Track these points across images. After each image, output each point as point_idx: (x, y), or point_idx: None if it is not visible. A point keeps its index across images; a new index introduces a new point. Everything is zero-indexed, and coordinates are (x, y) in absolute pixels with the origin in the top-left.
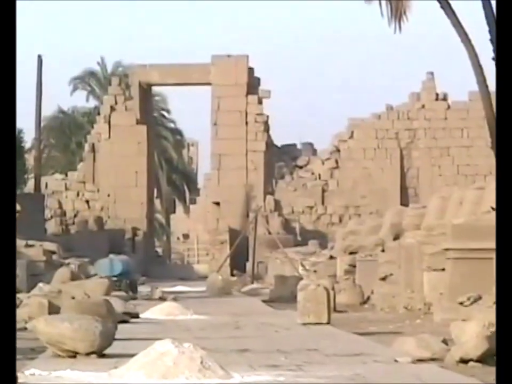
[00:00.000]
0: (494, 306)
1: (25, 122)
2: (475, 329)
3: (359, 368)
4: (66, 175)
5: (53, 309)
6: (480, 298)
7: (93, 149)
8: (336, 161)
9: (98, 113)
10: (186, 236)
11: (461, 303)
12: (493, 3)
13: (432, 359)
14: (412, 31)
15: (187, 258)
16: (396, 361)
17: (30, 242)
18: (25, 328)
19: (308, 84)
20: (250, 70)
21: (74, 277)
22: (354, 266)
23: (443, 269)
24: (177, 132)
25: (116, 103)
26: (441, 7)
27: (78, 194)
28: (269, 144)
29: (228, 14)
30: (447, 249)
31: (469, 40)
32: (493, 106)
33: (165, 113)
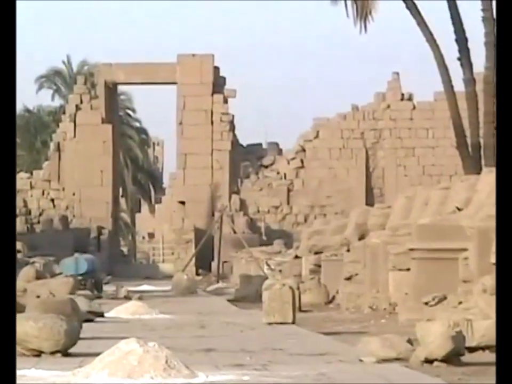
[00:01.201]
0: (459, 306)
1: None
2: (440, 329)
3: (324, 367)
4: (31, 173)
5: (18, 308)
6: (445, 298)
7: (58, 147)
8: (302, 161)
9: (64, 112)
10: (151, 235)
11: (426, 303)
12: (459, 3)
13: (397, 359)
14: (378, 31)
15: (152, 257)
16: (360, 361)
17: None
18: None
19: (273, 84)
20: (216, 69)
21: (39, 276)
22: (320, 266)
23: (408, 269)
24: (142, 131)
25: (82, 102)
26: (407, 7)
27: (43, 193)
28: (235, 143)
29: (194, 13)
30: (412, 249)
31: (434, 40)
32: (458, 106)
33: (131, 112)
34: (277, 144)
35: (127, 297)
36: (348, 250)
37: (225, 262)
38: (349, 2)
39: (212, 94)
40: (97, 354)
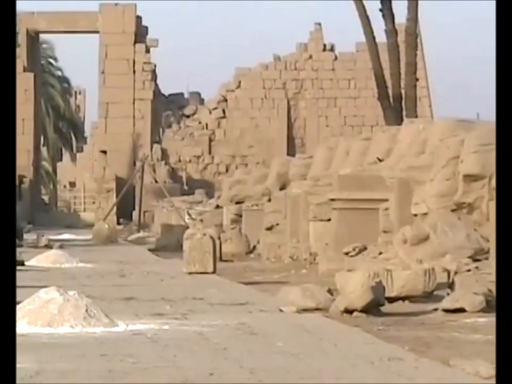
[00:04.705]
0: (379, 256)
1: None
2: (360, 279)
3: (244, 317)
4: None
5: None
6: (365, 248)
7: None
8: (224, 111)
9: None
10: (72, 184)
11: (347, 253)
12: None
13: (317, 309)
14: None
15: (73, 206)
16: (280, 310)
17: None
18: None
19: (196, 34)
20: (138, 19)
21: None
22: (241, 215)
23: (329, 219)
24: (64, 80)
25: None
26: None
27: None
28: (157, 93)
29: None
30: (333, 200)
31: None
32: (380, 57)
33: (53, 61)
34: (198, 94)
35: (48, 246)
36: (269, 200)
37: (146, 211)
38: None
39: (134, 44)
40: (17, 303)
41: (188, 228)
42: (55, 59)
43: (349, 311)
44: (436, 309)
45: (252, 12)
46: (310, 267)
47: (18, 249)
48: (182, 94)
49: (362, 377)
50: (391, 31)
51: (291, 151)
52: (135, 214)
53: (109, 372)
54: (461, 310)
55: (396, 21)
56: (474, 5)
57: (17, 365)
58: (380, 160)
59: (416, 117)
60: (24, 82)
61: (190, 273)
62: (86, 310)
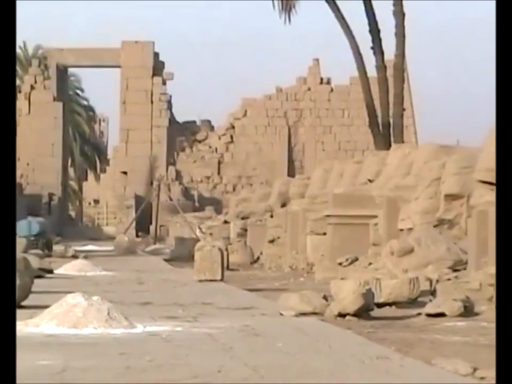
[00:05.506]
0: (369, 266)
1: None
2: (352, 287)
3: (248, 320)
4: None
5: None
6: (356, 259)
7: None
8: (231, 137)
9: (20, 91)
10: (96, 201)
11: (340, 264)
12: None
13: (314, 313)
14: (300, 22)
15: (97, 221)
16: (281, 314)
17: None
18: None
19: (207, 67)
20: (156, 55)
21: None
22: (246, 230)
23: (324, 233)
24: (89, 109)
25: (36, 82)
26: (326, 1)
27: None
28: (172, 120)
29: (136, 2)
30: (328, 216)
31: (351, 31)
32: (371, 89)
33: (79, 92)
34: (209, 121)
35: (74, 256)
36: (271, 216)
37: (162, 225)
38: None
39: (152, 77)
40: (46, 306)
41: (198, 240)
42: (82, 90)
43: (342, 315)
44: (419, 314)
45: (257, 49)
46: (307, 276)
47: (48, 259)
48: (194, 121)
49: (354, 374)
50: (381, 67)
51: (291, 173)
52: (152, 228)
53: (128, 369)
54: (441, 315)
55: (385, 57)
56: (458, 46)
57: (45, 362)
58: (370, 181)
59: (403, 142)
60: (54, 111)
61: (200, 280)
62: (108, 313)
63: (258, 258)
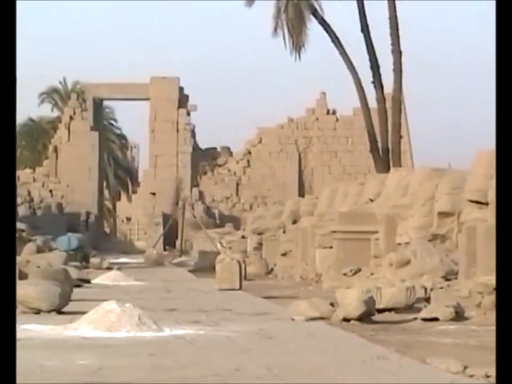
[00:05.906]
0: (371, 276)
1: None
2: (355, 294)
3: (263, 324)
4: (34, 170)
5: (22, 276)
6: (359, 270)
7: (55, 149)
8: (248, 161)
9: (60, 122)
10: (128, 219)
11: (345, 274)
12: (373, 37)
13: (321, 318)
14: (309, 59)
15: (129, 236)
16: (292, 319)
17: None
18: None
19: (226, 100)
20: (181, 89)
21: (39, 250)
22: (261, 244)
23: (331, 247)
24: (122, 137)
25: (74, 113)
26: (332, 40)
27: (43, 185)
28: (195, 147)
29: (164, 40)
30: (334, 231)
31: (353, 67)
32: (372, 119)
33: (113, 122)
34: (228, 148)
35: (109, 268)
36: (284, 232)
37: (186, 240)
38: (286, 36)
39: (178, 108)
40: (84, 312)
41: (219, 253)
42: (115, 120)
43: (346, 320)
44: (415, 318)
45: (271, 83)
46: (316, 285)
47: (85, 270)
48: (215, 148)
49: (357, 372)
50: (381, 99)
51: (301, 193)
52: (177, 242)
53: (156, 367)
54: (435, 319)
55: (385, 90)
56: (452, 80)
57: (83, 362)
58: (372, 200)
59: (400, 166)
60: (91, 139)
61: (221, 289)
62: (139, 319)
63: (272, 269)
